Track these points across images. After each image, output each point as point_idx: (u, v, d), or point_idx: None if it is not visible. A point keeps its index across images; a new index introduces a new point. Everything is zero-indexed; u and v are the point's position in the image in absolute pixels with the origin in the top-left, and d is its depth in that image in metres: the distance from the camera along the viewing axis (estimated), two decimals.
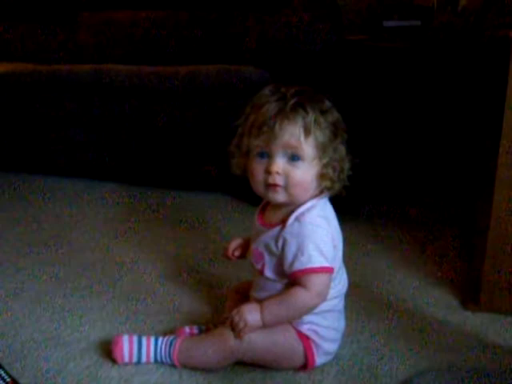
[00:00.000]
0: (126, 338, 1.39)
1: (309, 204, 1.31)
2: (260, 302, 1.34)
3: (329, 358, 1.40)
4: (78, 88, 2.74)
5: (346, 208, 2.27)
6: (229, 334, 1.32)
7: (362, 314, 1.63)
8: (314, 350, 1.36)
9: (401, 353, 1.45)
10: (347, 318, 1.46)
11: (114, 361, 1.38)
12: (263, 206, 1.43)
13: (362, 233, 2.21)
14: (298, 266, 1.28)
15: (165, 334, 1.44)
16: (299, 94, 1.29)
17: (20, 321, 1.60)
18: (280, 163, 1.27)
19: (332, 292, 1.35)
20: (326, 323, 1.37)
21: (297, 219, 1.30)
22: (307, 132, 1.26)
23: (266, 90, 1.32)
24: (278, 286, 1.36)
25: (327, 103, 1.32)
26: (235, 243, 1.55)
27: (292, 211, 1.32)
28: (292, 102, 1.27)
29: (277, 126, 1.25)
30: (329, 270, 1.30)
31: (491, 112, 1.82)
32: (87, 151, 2.87)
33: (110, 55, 3.30)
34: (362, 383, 1.33)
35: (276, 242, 1.32)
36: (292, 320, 1.35)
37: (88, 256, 2.02)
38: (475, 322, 1.61)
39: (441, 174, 2.90)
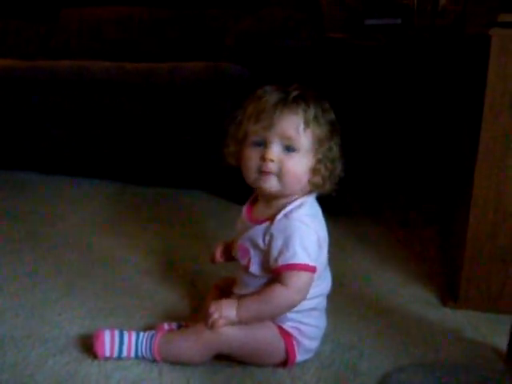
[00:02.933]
0: (107, 333, 1.39)
1: (298, 202, 1.32)
2: (240, 297, 1.35)
3: (309, 355, 1.41)
4: (59, 84, 2.72)
5: (325, 205, 2.29)
6: (205, 329, 1.32)
7: (342, 311, 1.63)
8: (296, 346, 1.36)
9: (380, 349, 1.46)
10: (326, 315, 1.47)
11: (94, 356, 1.38)
12: (251, 202, 1.44)
13: (342, 230, 2.22)
14: (282, 261, 1.28)
15: (146, 330, 1.44)
16: (302, 90, 1.32)
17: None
18: (275, 151, 1.28)
19: (316, 290, 1.35)
20: (308, 321, 1.38)
21: (285, 216, 1.31)
22: (306, 124, 1.28)
23: (269, 87, 1.34)
24: (263, 282, 1.36)
25: (327, 104, 1.35)
26: (220, 249, 1.56)
27: (281, 208, 1.32)
28: (294, 94, 1.29)
29: (277, 114, 1.27)
30: (311, 269, 1.30)
31: (470, 111, 1.84)
32: (68, 148, 2.85)
33: (91, 52, 3.28)
34: (342, 379, 1.34)
35: (263, 237, 1.32)
36: (271, 317, 1.35)
37: (68, 252, 2.01)
38: (454, 318, 1.63)
39: (421, 172, 2.92)
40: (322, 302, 1.42)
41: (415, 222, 2.38)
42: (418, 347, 1.48)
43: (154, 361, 1.37)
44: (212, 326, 1.30)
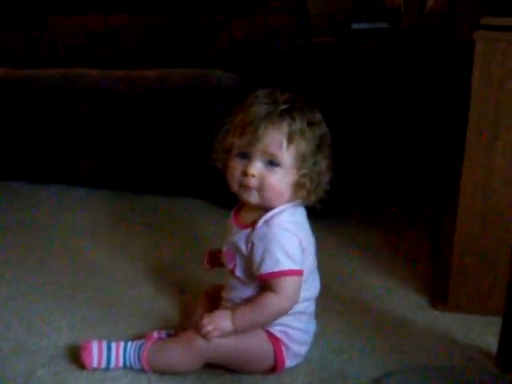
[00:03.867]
0: (95, 344, 1.38)
1: (280, 208, 1.32)
2: (232, 307, 1.35)
3: (298, 360, 1.40)
4: (47, 93, 2.72)
5: (314, 208, 2.29)
6: (195, 337, 1.31)
7: (331, 315, 1.63)
8: (284, 352, 1.36)
9: (370, 353, 1.46)
10: (316, 320, 1.47)
11: (82, 367, 1.37)
12: (239, 207, 1.44)
13: (331, 233, 2.22)
14: (266, 269, 1.29)
15: (134, 339, 1.43)
16: (291, 101, 1.30)
17: None
18: (257, 167, 1.28)
19: (304, 294, 1.35)
20: (297, 325, 1.37)
21: (265, 222, 1.31)
22: (290, 140, 1.27)
23: (261, 92, 1.33)
24: (249, 286, 1.36)
25: (317, 116, 1.34)
26: (208, 255, 1.56)
27: (263, 214, 1.32)
28: (282, 107, 1.28)
29: (260, 130, 1.26)
30: (298, 273, 1.30)
31: (457, 114, 1.84)
32: (58, 156, 2.84)
33: (79, 59, 3.27)
34: None
35: (246, 244, 1.33)
36: (265, 325, 1.34)
37: (58, 261, 2.00)
38: (443, 321, 1.63)
39: (410, 175, 2.92)
40: (310, 306, 1.42)
41: (404, 225, 2.38)
42: (407, 351, 1.48)
43: (142, 370, 1.36)
44: (206, 338, 1.29)
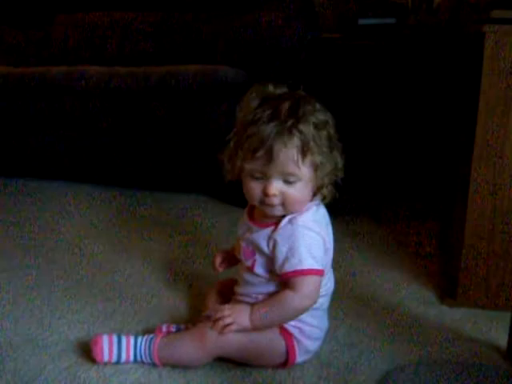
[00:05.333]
0: (105, 338, 1.38)
1: (303, 210, 1.32)
2: (251, 303, 1.34)
3: (309, 355, 1.40)
4: (53, 90, 2.72)
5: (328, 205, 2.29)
6: (206, 332, 1.32)
7: (340, 310, 1.63)
8: (296, 347, 1.36)
9: (379, 348, 1.46)
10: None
11: (93, 361, 1.37)
12: (252, 206, 1.42)
13: (339, 229, 2.20)
14: (288, 268, 1.28)
15: (144, 333, 1.44)
16: (293, 110, 1.25)
17: None
18: (277, 186, 1.27)
19: (321, 290, 1.35)
20: (311, 321, 1.37)
21: (290, 221, 1.30)
22: (304, 154, 1.24)
23: (254, 100, 1.29)
24: (268, 283, 1.36)
25: (320, 112, 1.29)
26: (220, 257, 1.55)
27: (285, 214, 1.32)
28: (289, 123, 1.23)
29: (274, 152, 1.23)
30: (319, 273, 1.30)
31: (466, 108, 1.84)
32: (63, 153, 2.85)
33: (85, 57, 3.27)
34: (342, 379, 1.34)
35: (267, 242, 1.32)
36: (283, 323, 1.34)
37: (66, 258, 2.01)
38: (452, 316, 1.63)
39: (418, 170, 2.92)
40: (325, 302, 1.42)
41: (412, 220, 2.37)
42: (417, 345, 1.48)
43: (153, 364, 1.37)
44: (222, 330, 1.29)
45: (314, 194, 1.33)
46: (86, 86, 2.64)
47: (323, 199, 1.35)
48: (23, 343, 1.48)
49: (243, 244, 1.40)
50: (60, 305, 1.68)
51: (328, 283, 1.40)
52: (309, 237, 1.29)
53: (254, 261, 1.36)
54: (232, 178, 1.35)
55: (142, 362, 1.37)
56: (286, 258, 1.28)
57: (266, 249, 1.33)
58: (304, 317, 1.35)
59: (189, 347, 1.34)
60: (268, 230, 1.33)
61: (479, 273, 1.64)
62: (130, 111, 2.63)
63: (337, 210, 2.34)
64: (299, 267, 1.28)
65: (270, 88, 1.31)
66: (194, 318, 1.56)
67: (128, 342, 1.38)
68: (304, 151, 1.24)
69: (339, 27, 3.25)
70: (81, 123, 2.74)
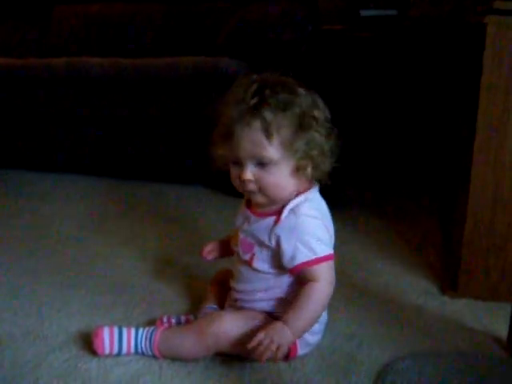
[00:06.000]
0: (106, 330, 1.37)
1: (302, 197, 1.30)
2: (279, 317, 1.30)
3: (310, 348, 1.40)
4: (54, 81, 2.72)
5: (324, 196, 2.29)
6: (206, 327, 1.31)
7: (341, 301, 1.63)
8: (297, 341, 1.35)
9: (380, 339, 1.46)
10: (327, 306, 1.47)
11: (94, 353, 1.37)
12: None
13: (340, 221, 2.20)
14: (301, 259, 1.27)
15: (145, 325, 1.43)
16: (260, 91, 1.24)
17: None
18: (250, 171, 1.26)
19: None
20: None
21: (292, 212, 1.29)
22: (268, 135, 1.22)
23: (239, 84, 1.30)
24: (268, 277, 1.35)
25: (292, 91, 1.27)
26: (211, 246, 1.54)
27: (285, 203, 1.30)
28: (251, 104, 1.23)
29: (236, 136, 1.24)
30: (331, 257, 1.31)
31: (467, 100, 1.83)
32: (63, 145, 2.85)
33: (85, 49, 3.27)
34: (342, 370, 1.34)
35: (269, 235, 1.31)
36: (319, 317, 1.32)
37: (65, 250, 2.01)
38: (453, 307, 1.63)
39: (419, 163, 2.92)
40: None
41: (414, 212, 2.37)
42: (417, 336, 1.47)
43: (153, 356, 1.36)
44: (276, 360, 1.28)
45: (301, 181, 1.31)
46: (86, 77, 2.64)
47: (314, 178, 1.32)
48: (23, 334, 1.48)
49: (241, 235, 1.39)
50: (59, 296, 1.68)
51: None
52: (314, 224, 1.29)
53: (253, 255, 1.35)
54: (218, 166, 1.35)
55: (143, 354, 1.37)
56: (296, 250, 1.27)
57: (267, 241, 1.31)
58: None
59: (189, 343, 1.34)
60: (268, 221, 1.32)
61: (480, 264, 1.64)
62: (130, 102, 2.63)
63: (339, 202, 2.35)
64: (313, 256, 1.27)
65: (249, 80, 1.30)
66: (194, 309, 1.56)
67: (129, 335, 1.38)
68: (268, 132, 1.22)
69: (341, 18, 3.23)
70: (83, 114, 2.73)
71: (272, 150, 1.24)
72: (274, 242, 1.30)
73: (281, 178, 1.27)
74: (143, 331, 1.38)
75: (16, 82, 2.78)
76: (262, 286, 1.36)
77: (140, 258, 1.94)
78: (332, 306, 1.49)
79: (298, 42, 2.55)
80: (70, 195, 2.62)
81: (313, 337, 1.38)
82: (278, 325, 1.26)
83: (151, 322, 1.50)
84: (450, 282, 1.72)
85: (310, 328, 1.31)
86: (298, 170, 1.27)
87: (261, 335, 1.24)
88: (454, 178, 2.20)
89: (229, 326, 1.32)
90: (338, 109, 2.38)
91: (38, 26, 3.50)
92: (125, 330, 1.38)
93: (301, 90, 1.28)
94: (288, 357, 1.36)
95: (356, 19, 3.14)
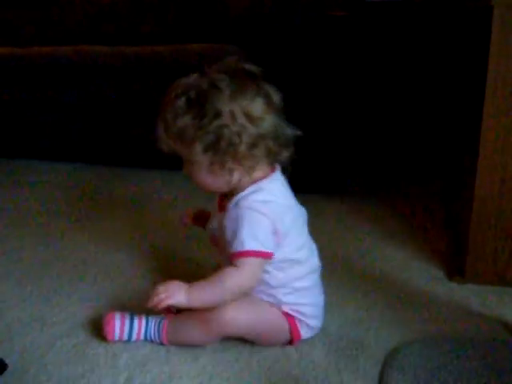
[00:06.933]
0: (118, 317, 1.38)
1: (251, 188, 1.29)
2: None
3: (314, 332, 1.40)
4: (58, 70, 2.71)
5: (331, 184, 2.29)
6: (212, 314, 1.30)
7: (348, 287, 1.63)
8: (299, 325, 1.36)
9: (387, 324, 1.46)
10: (333, 292, 1.47)
11: (102, 338, 1.38)
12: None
13: (347, 208, 2.21)
14: (233, 249, 1.26)
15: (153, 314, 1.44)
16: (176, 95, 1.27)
17: (6, 303, 1.59)
18: (185, 167, 1.32)
19: (302, 270, 1.35)
20: (305, 301, 1.37)
21: (236, 204, 1.29)
22: (168, 133, 1.28)
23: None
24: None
25: (181, 84, 1.28)
26: (190, 210, 1.56)
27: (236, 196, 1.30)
28: (164, 104, 1.29)
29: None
30: (263, 255, 1.27)
31: (474, 83, 1.82)
32: (68, 135, 2.85)
33: (89, 36, 3.25)
34: (350, 355, 1.34)
35: (220, 227, 1.32)
36: (223, 301, 1.30)
37: (72, 238, 2.01)
38: (461, 293, 1.62)
39: (426, 148, 2.91)
40: (312, 279, 1.39)
41: (420, 198, 2.37)
42: (425, 322, 1.48)
43: (162, 344, 1.37)
44: (156, 306, 1.26)
45: (271, 169, 1.32)
46: (90, 65, 2.63)
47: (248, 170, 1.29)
48: (31, 321, 1.49)
49: (209, 232, 1.41)
50: (67, 284, 1.68)
51: (307, 262, 1.37)
52: (251, 218, 1.25)
53: (223, 249, 1.35)
54: None
55: (152, 342, 1.38)
56: (232, 240, 1.26)
57: (217, 233, 1.34)
58: (297, 299, 1.35)
59: (195, 331, 1.34)
60: (222, 215, 1.32)
61: (487, 249, 1.63)
62: (135, 91, 2.62)
63: (345, 189, 2.36)
64: (240, 248, 1.25)
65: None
66: None
67: (140, 323, 1.38)
68: (166, 130, 1.27)
69: (346, 5, 3.21)
70: (86, 103, 2.73)
71: (184, 150, 1.27)
72: (224, 234, 1.30)
73: (200, 175, 1.30)
74: (152, 320, 1.39)
75: (20, 71, 2.78)
76: None
77: (141, 245, 1.94)
78: (339, 291, 1.50)
79: (302, 29, 2.53)
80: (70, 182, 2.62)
81: (312, 320, 1.39)
82: (182, 286, 1.27)
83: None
84: (457, 267, 1.71)
85: (207, 305, 1.30)
86: (213, 166, 1.27)
87: (162, 286, 1.27)
88: (460, 163, 2.19)
89: (235, 312, 1.31)
90: (344, 95, 2.37)
91: (38, 13, 3.48)
92: (136, 318, 1.39)
93: (223, 84, 1.23)
94: (292, 341, 1.37)
95: (361, 5, 3.12)
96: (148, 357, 1.33)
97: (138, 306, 1.52)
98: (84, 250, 1.91)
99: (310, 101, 2.27)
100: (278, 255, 1.29)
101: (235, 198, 1.29)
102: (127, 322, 1.38)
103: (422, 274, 1.73)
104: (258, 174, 1.29)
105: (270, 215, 1.26)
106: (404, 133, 2.95)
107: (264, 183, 1.30)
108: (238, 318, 1.32)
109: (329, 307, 1.47)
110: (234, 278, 1.26)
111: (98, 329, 1.40)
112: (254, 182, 1.29)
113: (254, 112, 1.24)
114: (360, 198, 2.36)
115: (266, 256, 1.27)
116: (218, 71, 1.26)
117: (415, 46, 2.90)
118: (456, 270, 1.71)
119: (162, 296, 1.25)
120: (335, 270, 1.71)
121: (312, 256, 1.40)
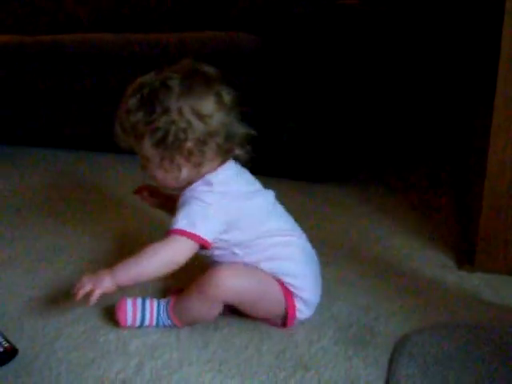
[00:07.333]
0: (129, 302, 1.38)
1: (199, 181, 1.33)
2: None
3: (311, 310, 1.40)
4: (65, 58, 2.71)
5: (340, 173, 2.28)
6: (204, 283, 1.31)
7: (358, 274, 1.63)
8: (294, 299, 1.36)
9: (397, 312, 1.46)
10: (343, 280, 1.46)
11: (112, 324, 1.38)
12: None
13: (357, 197, 2.21)
14: (170, 225, 1.30)
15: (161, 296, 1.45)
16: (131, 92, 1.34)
17: (17, 288, 1.59)
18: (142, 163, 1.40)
19: (272, 241, 1.36)
20: (287, 270, 1.36)
21: (182, 195, 1.35)
22: (123, 132, 1.35)
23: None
24: (222, 255, 1.37)
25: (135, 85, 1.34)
26: (152, 187, 1.56)
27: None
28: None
29: None
30: (194, 238, 1.28)
31: (485, 69, 1.81)
32: (75, 122, 2.85)
33: (97, 24, 3.25)
34: (360, 342, 1.34)
35: None
36: (148, 276, 1.33)
37: (79, 226, 2.01)
38: (471, 281, 1.62)
39: (435, 136, 2.90)
40: (282, 251, 1.38)
41: (430, 187, 2.36)
42: (434, 310, 1.47)
43: (174, 326, 1.37)
44: (86, 299, 1.26)
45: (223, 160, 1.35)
46: (101, 53, 2.63)
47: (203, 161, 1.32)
48: (42, 306, 1.49)
49: None
50: (77, 270, 1.68)
51: (278, 232, 1.38)
52: (195, 205, 1.29)
53: None
54: None
55: (164, 326, 1.38)
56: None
57: None
58: (278, 267, 1.35)
59: (195, 303, 1.34)
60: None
61: (498, 238, 1.63)
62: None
63: (354, 178, 2.35)
64: (171, 226, 1.29)
65: None
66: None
67: (152, 306, 1.38)
68: (123, 129, 1.35)
69: None
70: (94, 91, 2.73)
71: (137, 145, 1.34)
72: None
73: (152, 170, 1.36)
74: (161, 302, 1.39)
75: (27, 59, 2.78)
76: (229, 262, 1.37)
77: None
78: (349, 278, 1.50)
79: (312, 17, 2.52)
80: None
81: (307, 294, 1.38)
82: (103, 273, 1.28)
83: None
84: (467, 256, 1.71)
85: (135, 280, 1.32)
86: (163, 161, 1.32)
87: (84, 277, 1.28)
88: (471, 150, 2.18)
89: (230, 279, 1.31)
90: (351, 82, 2.36)
91: (48, 2, 3.48)
92: (148, 301, 1.39)
93: (173, 83, 1.29)
94: (287, 315, 1.36)
95: None
96: (158, 342, 1.33)
97: (150, 289, 1.53)
98: (94, 236, 1.92)
99: (320, 89, 2.27)
100: (234, 240, 1.34)
101: (183, 192, 1.34)
102: (139, 306, 1.38)
103: (431, 263, 1.72)
104: (206, 169, 1.34)
105: (215, 205, 1.30)
106: (415, 122, 2.95)
107: (212, 175, 1.33)
108: (237, 283, 1.32)
109: (339, 295, 1.48)
110: (158, 252, 1.29)
111: (109, 314, 1.41)
112: (203, 177, 1.34)
113: (202, 110, 1.29)
114: (369, 186, 2.35)
115: (199, 240, 1.29)
116: (172, 71, 1.33)
117: (425, 31, 2.89)
118: (466, 258, 1.70)
119: (87, 288, 1.26)
120: (345, 258, 1.71)
121: (277, 223, 1.40)
